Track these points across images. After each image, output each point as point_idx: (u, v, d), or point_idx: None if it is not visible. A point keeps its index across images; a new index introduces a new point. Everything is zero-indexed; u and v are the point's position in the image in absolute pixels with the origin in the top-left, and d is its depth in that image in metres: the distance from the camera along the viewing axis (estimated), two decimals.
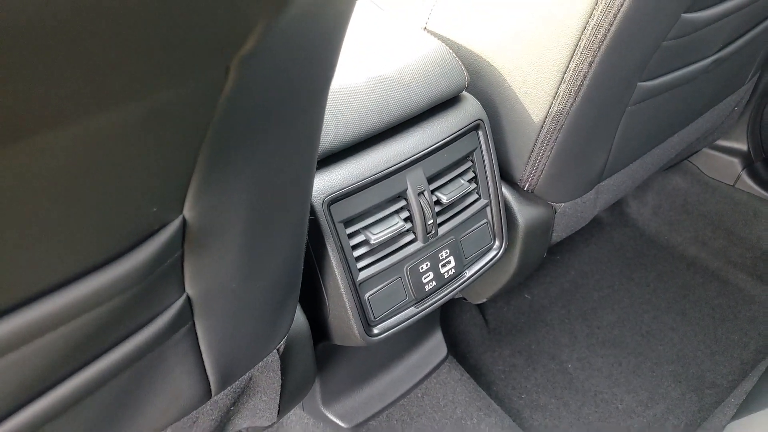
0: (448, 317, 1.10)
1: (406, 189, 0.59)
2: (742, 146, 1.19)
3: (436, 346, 0.97)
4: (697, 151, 1.20)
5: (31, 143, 0.19)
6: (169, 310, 0.36)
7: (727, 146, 1.20)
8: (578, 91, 0.58)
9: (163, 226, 0.29)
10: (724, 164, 1.21)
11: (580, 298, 1.15)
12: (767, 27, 0.80)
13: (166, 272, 0.32)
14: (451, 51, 0.63)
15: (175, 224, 0.29)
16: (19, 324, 0.26)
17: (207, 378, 0.46)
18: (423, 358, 0.96)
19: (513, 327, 1.10)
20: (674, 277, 1.19)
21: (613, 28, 0.52)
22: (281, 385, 0.58)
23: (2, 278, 0.24)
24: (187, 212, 0.29)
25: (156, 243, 0.29)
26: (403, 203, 0.60)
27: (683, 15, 0.57)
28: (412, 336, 0.96)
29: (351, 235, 0.57)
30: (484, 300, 0.87)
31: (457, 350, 1.06)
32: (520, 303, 1.14)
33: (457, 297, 0.89)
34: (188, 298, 0.36)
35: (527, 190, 0.73)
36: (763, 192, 1.18)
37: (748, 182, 1.20)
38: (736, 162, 1.20)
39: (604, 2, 0.51)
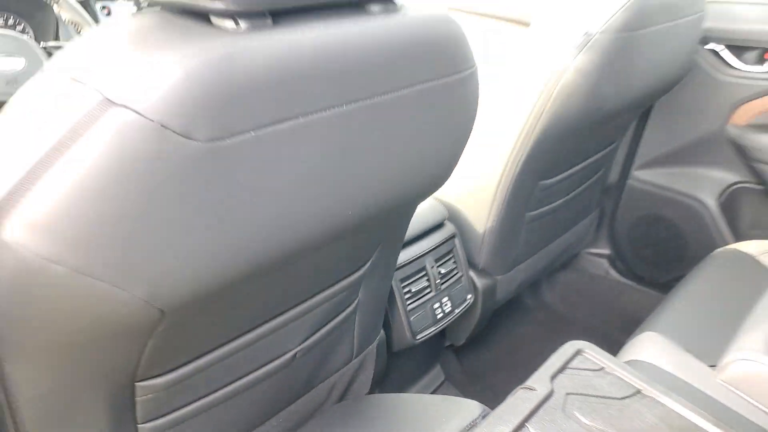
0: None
1: (425, 266, 1.22)
2: (606, 251, 1.89)
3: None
4: (577, 253, 1.89)
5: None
6: (351, 298, 0.95)
7: (597, 252, 1.90)
8: (500, 210, 1.25)
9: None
10: (598, 263, 1.90)
11: (518, 357, 1.75)
12: (599, 177, 1.54)
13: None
14: (435, 198, 1.30)
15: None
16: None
17: (353, 344, 1.03)
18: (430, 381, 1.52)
19: (473, 374, 1.66)
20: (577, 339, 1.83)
21: (512, 181, 1.21)
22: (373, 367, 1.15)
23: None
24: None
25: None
26: (424, 273, 1.23)
27: (540, 182, 1.28)
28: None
29: (403, 287, 1.19)
30: (463, 341, 1.46)
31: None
32: (478, 358, 1.72)
33: (446, 344, 1.49)
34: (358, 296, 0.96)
35: (481, 268, 1.37)
36: (623, 279, 1.86)
37: (613, 274, 1.89)
38: (605, 261, 1.90)
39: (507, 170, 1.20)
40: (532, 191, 1.28)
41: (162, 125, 0.43)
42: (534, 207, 1.34)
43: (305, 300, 0.78)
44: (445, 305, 1.27)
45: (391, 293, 1.16)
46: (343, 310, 0.90)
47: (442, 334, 1.42)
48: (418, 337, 1.21)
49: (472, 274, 1.36)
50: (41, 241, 0.43)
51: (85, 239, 0.44)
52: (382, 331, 1.14)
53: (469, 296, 1.33)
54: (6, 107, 0.48)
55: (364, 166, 0.60)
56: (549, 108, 1.09)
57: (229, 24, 0.48)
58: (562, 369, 0.79)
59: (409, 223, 0.91)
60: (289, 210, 0.54)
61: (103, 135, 0.42)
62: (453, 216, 1.33)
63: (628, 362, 0.97)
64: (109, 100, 0.42)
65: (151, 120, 0.42)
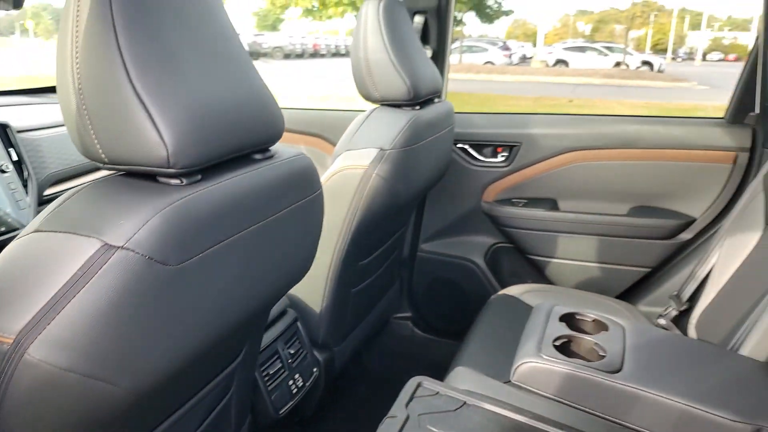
0: None
1: (278, 350, 1.41)
2: (409, 313, 2.26)
3: None
4: (387, 320, 2.22)
5: None
6: (228, 387, 1.12)
7: (402, 316, 2.26)
8: (332, 291, 1.50)
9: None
10: (404, 325, 2.25)
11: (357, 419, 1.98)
12: (397, 253, 1.90)
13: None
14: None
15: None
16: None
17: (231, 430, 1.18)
18: None
19: None
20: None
21: (339, 265, 1.48)
22: None
23: None
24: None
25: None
26: (277, 356, 1.41)
27: (359, 263, 1.58)
28: None
29: (262, 371, 1.36)
30: (312, 412, 1.65)
31: None
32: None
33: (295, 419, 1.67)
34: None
35: (321, 343, 1.60)
36: (426, 335, 2.23)
37: (417, 332, 2.25)
38: (409, 323, 2.25)
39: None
40: (353, 271, 1.57)
41: (149, 257, 0.61)
42: (356, 284, 1.63)
43: (200, 389, 0.94)
44: (298, 380, 1.47)
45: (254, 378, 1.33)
46: (222, 399, 1.05)
47: (294, 409, 1.60)
48: (280, 412, 1.38)
49: (314, 350, 1.58)
50: (60, 355, 0.58)
51: (94, 350, 0.59)
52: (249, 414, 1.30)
53: (315, 369, 1.54)
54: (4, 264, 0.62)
55: (263, 267, 0.83)
56: (362, 205, 1.40)
57: (175, 181, 0.69)
58: (411, 398, 1.06)
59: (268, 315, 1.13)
60: (225, 302, 0.75)
61: (110, 271, 0.59)
62: (293, 303, 1.55)
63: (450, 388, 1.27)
64: (109, 244, 0.60)
65: (142, 255, 0.61)
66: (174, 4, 0.70)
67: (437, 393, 1.09)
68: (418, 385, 1.11)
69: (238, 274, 0.77)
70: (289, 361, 1.45)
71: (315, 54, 20.95)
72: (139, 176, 0.70)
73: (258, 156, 0.84)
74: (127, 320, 0.61)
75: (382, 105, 1.52)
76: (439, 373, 1.45)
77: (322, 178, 1.44)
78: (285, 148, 0.92)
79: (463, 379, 1.32)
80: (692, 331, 1.48)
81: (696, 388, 0.98)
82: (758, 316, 1.12)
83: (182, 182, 0.69)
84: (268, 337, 1.40)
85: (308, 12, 15.55)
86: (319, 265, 1.52)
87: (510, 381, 1.29)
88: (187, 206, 0.66)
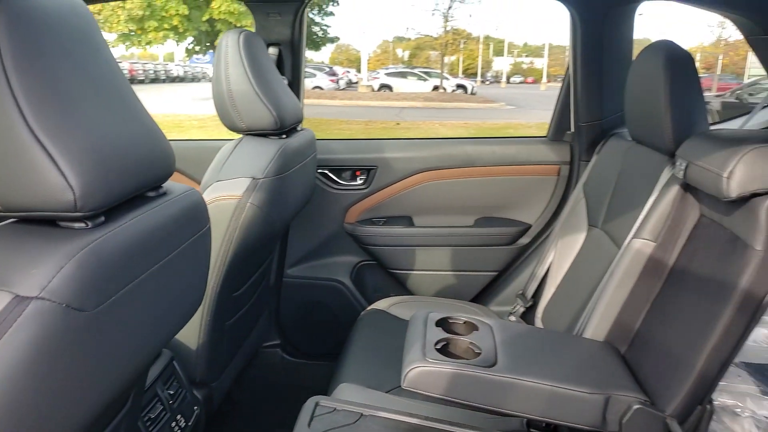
0: None
1: (157, 392, 1.36)
2: (277, 341, 2.26)
3: None
4: (256, 350, 2.20)
5: None
6: None
7: (270, 344, 2.25)
8: (208, 326, 1.47)
9: None
10: (272, 353, 2.25)
11: None
12: (265, 281, 1.90)
13: None
14: None
15: None
16: None
17: None
18: None
19: None
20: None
21: (214, 299, 1.46)
22: None
23: None
24: None
25: None
26: (157, 398, 1.36)
27: (232, 295, 1.57)
28: None
29: (143, 417, 1.30)
30: None
31: None
32: None
33: None
34: None
35: (199, 380, 1.56)
36: (296, 360, 2.25)
37: (287, 358, 2.25)
38: (278, 350, 2.25)
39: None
40: (228, 303, 1.56)
41: (66, 305, 0.60)
42: (231, 316, 1.61)
43: None
44: (180, 421, 1.42)
45: None
46: None
47: None
48: None
49: (193, 388, 1.53)
50: None
51: (12, 409, 0.56)
52: None
53: (195, 407, 1.50)
54: None
55: (167, 305, 0.83)
56: (237, 236, 1.40)
57: (79, 225, 0.67)
58: (312, 418, 1.10)
59: None
60: (138, 344, 0.74)
61: (25, 324, 0.57)
62: (169, 342, 1.50)
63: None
64: (21, 296, 0.57)
65: (59, 303, 0.59)
66: (64, 44, 0.69)
67: (334, 409, 1.14)
68: (316, 405, 1.15)
69: (147, 314, 0.77)
70: (170, 402, 1.39)
71: (132, 80, 19.76)
72: (38, 221, 0.67)
73: (152, 194, 0.84)
74: (46, 374, 0.58)
75: (248, 135, 1.55)
76: (315, 394, 1.49)
77: None
78: (174, 184, 0.92)
79: (350, 394, 1.38)
80: (539, 324, 1.69)
81: (558, 370, 1.14)
82: (594, 304, 1.32)
83: (87, 225, 0.67)
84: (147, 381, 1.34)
85: (125, 37, 14.64)
86: None
87: (394, 390, 1.38)
88: (99, 250, 0.65)
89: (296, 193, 1.65)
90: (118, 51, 16.20)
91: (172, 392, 1.41)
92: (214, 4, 13.29)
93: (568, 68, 1.93)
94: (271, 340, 2.18)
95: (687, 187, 1.21)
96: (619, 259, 1.30)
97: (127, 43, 15.19)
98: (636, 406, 1.05)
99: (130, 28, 14.38)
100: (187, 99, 15.37)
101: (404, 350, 1.20)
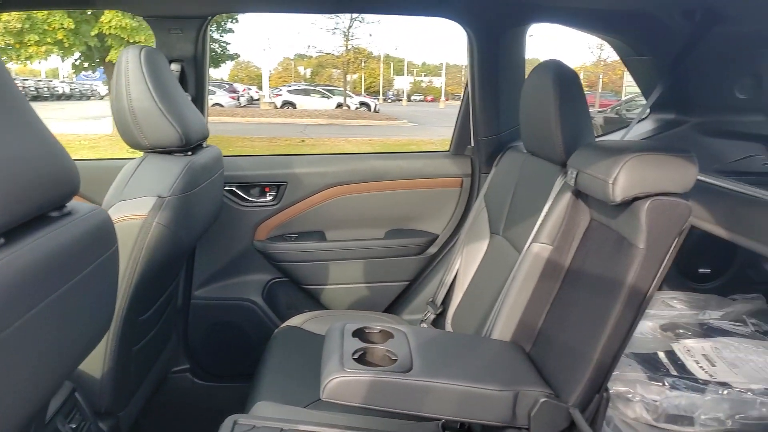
0: None
1: (57, 427, 1.28)
2: (186, 365, 2.18)
3: None
4: (165, 376, 2.12)
5: None
6: None
7: (179, 369, 2.17)
8: (113, 352, 1.40)
9: None
10: (181, 378, 2.17)
11: None
12: (173, 304, 1.83)
13: None
14: None
15: None
16: None
17: None
18: None
19: None
20: None
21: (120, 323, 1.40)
22: None
23: None
24: None
25: None
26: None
27: (139, 318, 1.51)
28: None
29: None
30: None
31: None
32: None
33: None
34: None
35: (104, 411, 1.48)
36: (207, 383, 2.18)
37: (198, 382, 2.18)
38: (188, 374, 2.18)
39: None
40: (135, 327, 1.50)
41: None
42: (137, 341, 1.55)
43: None
44: None
45: None
46: None
47: None
48: None
49: (98, 420, 1.45)
50: None
51: None
52: None
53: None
54: None
55: (75, 329, 0.80)
56: (143, 257, 1.36)
57: None
58: None
59: None
60: (43, 371, 0.70)
61: None
62: None
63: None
64: None
65: None
66: None
67: (253, 427, 1.13)
68: (235, 423, 1.13)
69: (51, 340, 0.73)
70: None
71: None
72: None
73: (55, 214, 0.81)
74: None
75: (152, 153, 1.50)
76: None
77: None
78: (79, 203, 0.89)
79: (268, 411, 1.37)
80: (449, 329, 1.76)
81: (469, 371, 1.20)
82: (499, 307, 1.40)
83: None
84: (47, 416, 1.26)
85: (1, 51, 13.59)
86: None
87: (313, 403, 1.38)
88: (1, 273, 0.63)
89: (204, 211, 1.62)
90: None
91: (74, 426, 1.33)
92: (104, 19, 12.63)
93: (466, 86, 2.04)
94: (180, 364, 2.10)
95: (578, 194, 1.31)
96: (520, 263, 1.38)
97: (4, 58, 14.12)
98: (542, 400, 1.13)
99: (7, 41, 13.38)
100: (75, 118, 14.50)
101: (322, 362, 1.21)
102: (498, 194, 1.75)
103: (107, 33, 12.94)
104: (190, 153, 1.55)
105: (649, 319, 1.67)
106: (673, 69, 1.84)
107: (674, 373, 1.39)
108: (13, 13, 13.03)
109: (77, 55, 14.34)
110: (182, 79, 1.88)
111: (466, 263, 1.79)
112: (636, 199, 1.08)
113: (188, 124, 1.51)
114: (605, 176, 1.10)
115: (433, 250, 2.12)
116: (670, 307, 1.78)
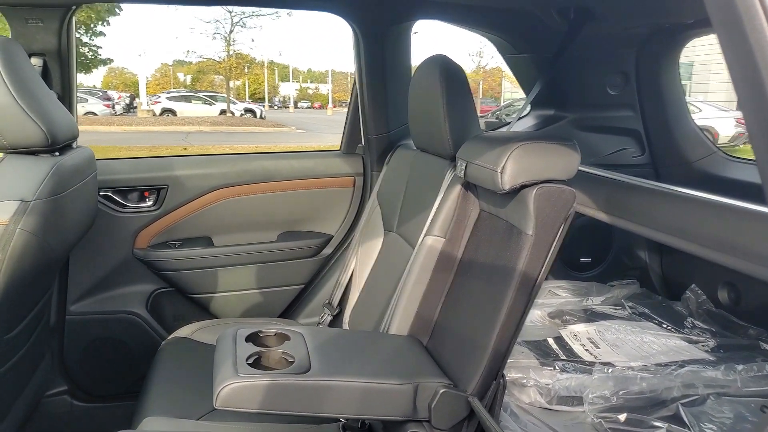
0: None
1: None
2: (64, 387, 1.98)
3: None
4: (38, 402, 1.91)
5: None
6: None
7: (56, 391, 1.97)
8: None
9: None
10: (59, 401, 1.96)
11: None
12: (44, 321, 1.66)
13: None
14: None
15: None
16: None
17: None
18: None
19: None
20: None
21: None
22: None
23: None
24: None
25: None
26: None
27: (4, 336, 1.35)
28: None
29: None
30: None
31: None
32: None
33: None
34: None
35: None
36: (86, 404, 2.00)
37: (78, 404, 1.99)
38: (66, 396, 1.98)
39: None
40: None
41: None
42: (2, 363, 1.38)
43: None
44: None
45: None
46: None
47: None
48: None
49: None
50: None
51: None
52: None
53: None
54: None
55: None
56: (6, 268, 1.21)
57: None
58: None
59: None
60: None
61: None
62: None
63: None
64: None
65: None
66: None
67: None
68: None
69: None
70: None
71: None
72: None
73: None
74: None
75: (12, 153, 1.35)
76: None
77: None
78: None
79: (158, 427, 1.27)
80: (346, 328, 1.73)
81: (368, 368, 1.18)
82: (395, 302, 1.40)
83: None
84: None
85: None
86: None
87: (206, 415, 1.30)
88: None
89: (76, 217, 1.48)
90: None
91: None
92: None
93: (355, 83, 2.03)
94: (56, 386, 1.91)
95: (467, 186, 1.34)
96: (414, 257, 1.39)
97: None
98: (442, 390, 1.13)
99: None
100: None
101: (214, 370, 1.14)
102: (390, 192, 1.76)
103: None
104: (57, 153, 1.41)
105: (537, 308, 1.74)
106: (552, 66, 1.94)
107: (563, 357, 1.46)
108: None
109: None
110: (45, 74, 1.71)
111: (361, 262, 1.77)
112: (523, 187, 1.12)
113: (54, 122, 1.37)
114: (493, 166, 1.13)
115: (328, 251, 2.09)
116: (556, 295, 1.87)
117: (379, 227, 1.76)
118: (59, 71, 1.73)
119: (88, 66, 16.33)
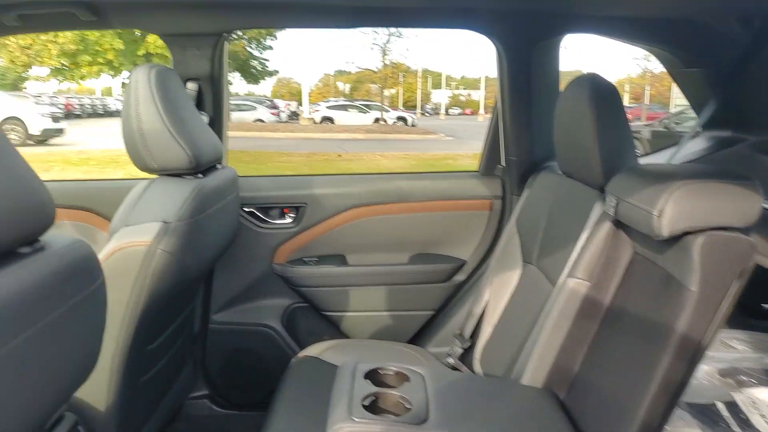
0: None
1: None
2: (205, 391, 2.10)
3: None
4: (182, 403, 2.04)
5: None
6: None
7: (197, 395, 2.09)
8: (118, 385, 1.33)
9: None
10: (200, 405, 2.08)
11: None
12: (188, 329, 1.75)
13: None
14: None
15: None
16: None
17: None
18: None
19: None
20: None
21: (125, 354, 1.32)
22: None
23: None
24: None
25: None
26: None
27: (146, 348, 1.43)
28: None
29: None
30: None
31: None
32: None
33: None
34: None
35: None
36: (225, 411, 2.10)
37: (216, 410, 2.10)
38: (207, 401, 2.10)
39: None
40: (141, 358, 1.42)
41: None
42: (146, 371, 1.47)
43: None
44: None
45: None
46: None
47: None
48: None
49: None
50: None
51: None
52: None
53: None
54: None
55: (41, 377, 0.71)
56: (147, 285, 1.28)
57: None
58: None
59: None
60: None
61: None
62: (71, 405, 1.34)
63: None
64: None
65: None
66: None
67: None
68: None
69: (12, 390, 0.64)
70: None
71: (69, 114, 19.01)
72: None
73: (25, 249, 0.73)
74: None
75: (161, 176, 1.43)
76: None
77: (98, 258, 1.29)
78: (58, 236, 0.81)
79: None
80: (477, 366, 1.62)
81: (494, 425, 1.06)
82: (531, 347, 1.26)
83: None
84: None
85: (58, 71, 14.19)
86: (100, 357, 1.34)
87: None
88: None
89: (215, 236, 1.54)
90: (51, 85, 15.68)
91: None
92: (150, 38, 13.00)
93: (496, 102, 1.91)
94: (198, 390, 2.02)
95: (619, 224, 1.17)
96: (555, 299, 1.25)
97: (60, 78, 14.73)
98: None
99: (63, 62, 13.95)
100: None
101: (330, 406, 1.10)
102: (531, 219, 1.62)
103: (153, 53, 13.33)
104: (200, 175, 1.47)
105: (705, 361, 1.49)
106: (730, 82, 1.67)
107: (736, 429, 1.22)
108: (68, 36, 13.57)
109: (126, 73, 14.82)
110: (199, 97, 1.81)
111: (496, 294, 1.65)
112: (686, 233, 0.94)
113: (199, 145, 1.43)
114: (650, 207, 0.96)
115: (460, 277, 1.99)
116: (731, 348, 1.59)
117: (516, 257, 1.62)
118: (212, 94, 1.82)
119: (256, 77, 17.70)
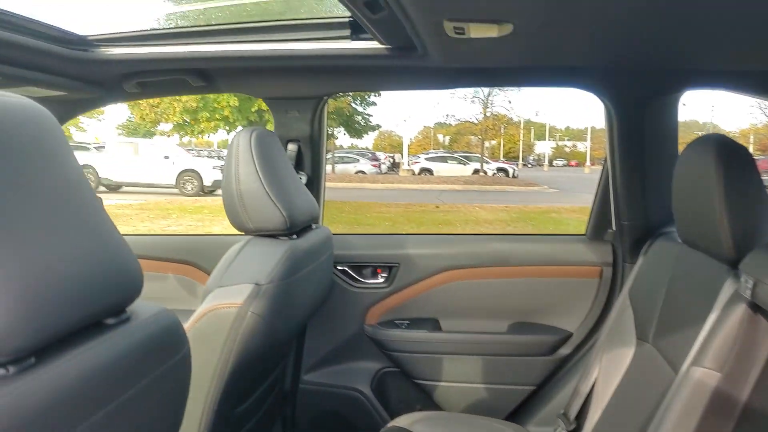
0: None
1: None
2: None
3: None
4: None
5: None
6: None
7: None
8: None
9: None
10: None
11: None
12: (278, 389, 1.72)
13: None
14: None
15: None
16: None
17: None
18: None
19: None
20: None
21: (212, 417, 1.30)
22: None
23: None
24: None
25: None
26: None
27: (235, 410, 1.41)
28: None
29: None
30: None
31: None
32: None
33: None
34: None
35: None
36: None
37: None
38: None
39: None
40: (229, 420, 1.40)
41: None
42: None
43: None
44: None
45: None
46: None
47: None
48: None
49: None
50: None
51: None
52: None
53: None
54: None
55: None
56: (237, 347, 1.26)
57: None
58: None
59: None
60: None
61: None
62: None
63: None
64: None
65: None
66: (8, 158, 0.59)
67: None
68: None
69: None
70: None
71: None
72: None
73: (111, 320, 0.71)
74: None
75: (257, 236, 1.44)
76: None
77: (191, 319, 1.29)
78: (144, 305, 0.80)
79: None
80: None
81: None
82: None
83: (8, 371, 0.55)
84: None
85: (180, 127, 15.50)
86: (187, 419, 1.33)
87: None
88: (16, 404, 0.53)
89: (307, 297, 1.51)
90: (174, 139, 17.09)
91: None
92: None
93: (605, 162, 1.78)
94: None
95: (756, 307, 1.01)
96: (678, 388, 1.09)
97: (182, 132, 16.03)
98: None
99: (185, 118, 15.19)
100: None
101: None
102: (647, 291, 1.46)
103: (265, 109, 14.23)
104: (294, 236, 1.46)
105: None
106: None
107: None
108: (191, 96, 14.90)
109: (240, 128, 15.91)
110: (299, 158, 1.84)
111: (606, 372, 1.49)
112: None
113: (295, 207, 1.43)
114: None
115: (565, 351, 1.83)
116: None
117: (630, 333, 1.46)
118: (311, 154, 1.85)
119: (360, 132, 18.30)
